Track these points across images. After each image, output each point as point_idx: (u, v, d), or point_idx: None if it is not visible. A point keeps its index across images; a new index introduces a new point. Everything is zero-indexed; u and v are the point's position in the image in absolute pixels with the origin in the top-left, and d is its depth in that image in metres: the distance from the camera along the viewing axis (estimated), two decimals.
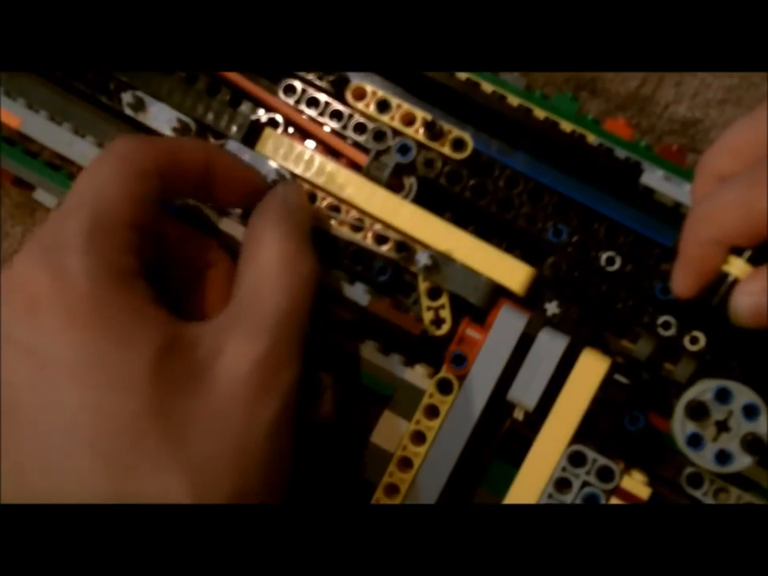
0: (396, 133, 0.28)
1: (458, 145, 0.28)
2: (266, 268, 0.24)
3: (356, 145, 0.28)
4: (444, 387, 0.26)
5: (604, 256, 0.27)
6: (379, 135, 0.28)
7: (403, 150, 0.28)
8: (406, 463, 0.26)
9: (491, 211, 0.28)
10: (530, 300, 0.27)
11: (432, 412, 0.26)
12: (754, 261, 0.24)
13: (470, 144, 0.27)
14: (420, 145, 0.28)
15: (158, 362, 0.22)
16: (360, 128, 0.28)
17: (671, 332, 0.26)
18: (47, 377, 0.21)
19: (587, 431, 0.26)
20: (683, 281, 0.25)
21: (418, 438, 0.26)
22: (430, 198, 0.28)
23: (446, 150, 0.27)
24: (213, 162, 0.25)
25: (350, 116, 0.28)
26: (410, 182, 0.28)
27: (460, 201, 0.28)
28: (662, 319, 0.26)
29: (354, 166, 0.28)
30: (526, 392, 0.26)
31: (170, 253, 0.25)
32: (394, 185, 0.28)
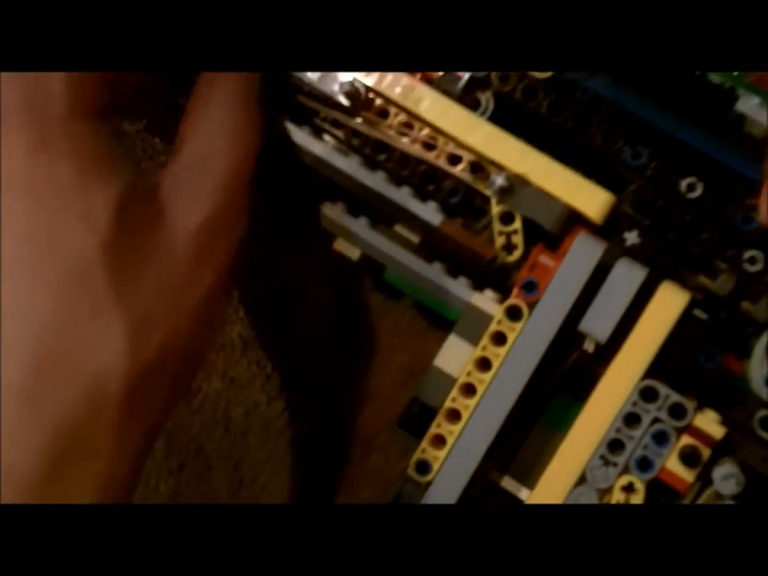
0: None
1: None
2: (212, 134, 0.24)
3: None
4: (513, 314, 0.26)
5: (685, 182, 0.26)
6: None
7: None
8: (469, 389, 0.26)
9: (567, 129, 0.26)
10: (606, 229, 0.26)
11: (499, 339, 0.26)
12: None
13: None
14: None
15: (120, 205, 0.21)
16: None
17: (757, 267, 0.25)
18: (5, 194, 0.21)
19: (660, 367, 0.25)
20: None
21: (484, 364, 0.26)
22: (506, 118, 0.27)
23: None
24: None
25: None
26: (486, 97, 0.27)
27: (536, 119, 0.26)
28: (748, 254, 0.25)
29: (429, 81, 0.27)
30: (598, 323, 0.25)
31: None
32: (469, 101, 0.27)
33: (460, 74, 0.27)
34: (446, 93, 0.27)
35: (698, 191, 0.26)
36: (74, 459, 0.20)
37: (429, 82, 0.27)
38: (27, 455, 0.20)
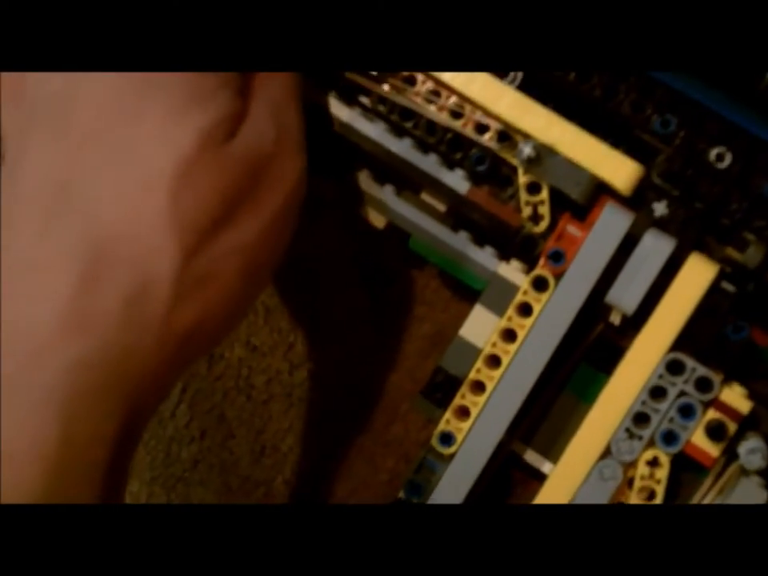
0: None
1: None
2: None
3: None
4: (539, 284, 0.25)
5: (714, 152, 0.25)
6: None
7: None
8: (494, 361, 0.26)
9: (595, 97, 0.26)
10: (634, 199, 0.26)
11: (525, 310, 0.25)
12: None
13: None
14: None
15: (201, 136, 0.22)
16: None
17: None
18: (124, 99, 0.22)
19: (687, 339, 0.25)
20: None
21: (509, 335, 0.26)
22: (534, 87, 0.26)
23: None
24: None
25: None
26: None
27: (564, 87, 0.26)
28: None
29: None
30: (625, 294, 0.25)
31: None
32: None
33: None
34: None
35: (727, 161, 0.25)
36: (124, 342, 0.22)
37: None
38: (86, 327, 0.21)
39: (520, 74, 0.26)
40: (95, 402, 0.21)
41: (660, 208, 0.25)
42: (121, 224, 0.22)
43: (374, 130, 0.26)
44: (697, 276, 0.25)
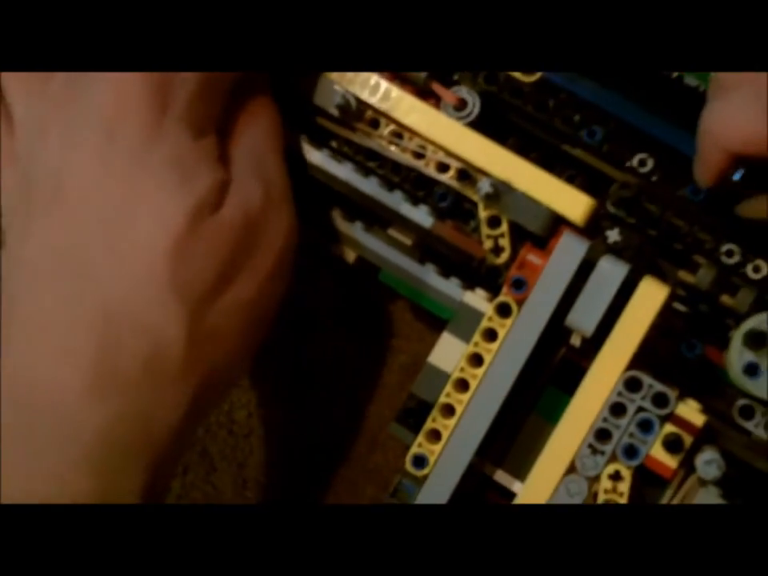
0: None
1: None
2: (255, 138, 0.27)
3: None
4: (503, 311, 0.27)
5: (636, 158, 0.27)
6: None
7: None
8: (463, 385, 0.27)
9: (553, 126, 0.28)
10: (591, 228, 0.27)
11: (490, 335, 0.27)
12: None
13: None
14: None
15: (192, 212, 0.24)
16: None
17: (735, 260, 0.26)
18: (106, 178, 0.24)
19: (644, 358, 0.26)
20: (701, 177, 0.25)
21: (476, 360, 0.27)
22: (491, 121, 0.28)
23: (517, 73, 0.28)
24: None
25: None
26: (473, 98, 0.28)
27: (521, 117, 0.28)
28: (725, 247, 0.26)
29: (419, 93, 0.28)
30: (584, 318, 0.26)
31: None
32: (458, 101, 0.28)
33: None
34: (411, 82, 0.28)
35: (649, 166, 0.27)
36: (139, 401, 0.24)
37: (419, 94, 0.28)
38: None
39: (477, 109, 0.28)
40: (125, 456, 0.24)
41: (613, 235, 0.27)
42: (129, 295, 0.24)
43: (342, 171, 0.28)
44: (650, 298, 0.26)
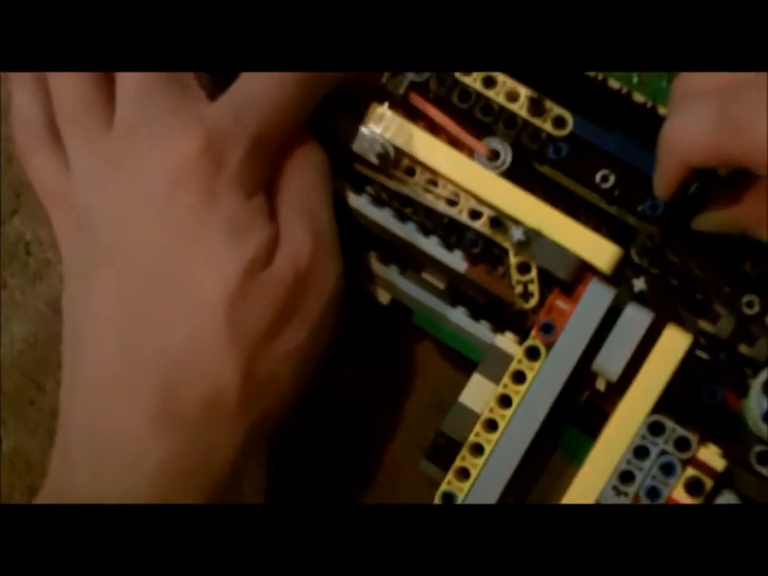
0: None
1: (559, 122, 0.29)
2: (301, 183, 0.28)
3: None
4: (532, 354, 0.28)
5: (599, 174, 0.28)
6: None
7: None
8: (492, 425, 0.28)
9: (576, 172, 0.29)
10: (615, 275, 0.28)
11: (519, 377, 0.28)
12: None
13: (571, 122, 0.29)
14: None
15: (247, 267, 0.25)
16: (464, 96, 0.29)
17: (755, 311, 0.27)
18: (167, 237, 0.25)
19: (666, 403, 0.27)
20: (659, 188, 0.26)
21: (505, 401, 0.28)
22: (523, 171, 0.29)
23: (548, 126, 0.29)
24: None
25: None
26: (505, 149, 0.29)
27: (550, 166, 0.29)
28: (747, 298, 0.27)
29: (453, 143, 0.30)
30: (610, 363, 0.27)
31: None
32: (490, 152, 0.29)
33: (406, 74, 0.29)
34: (391, 95, 0.29)
35: (611, 182, 0.28)
36: (198, 450, 0.25)
37: (454, 144, 0.29)
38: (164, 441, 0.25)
39: (509, 160, 0.29)
40: (185, 487, 0.25)
41: (639, 284, 0.28)
42: (189, 343, 0.25)
43: (382, 216, 0.29)
44: (674, 345, 0.27)
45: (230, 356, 0.25)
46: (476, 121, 0.29)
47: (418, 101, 0.30)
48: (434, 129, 0.30)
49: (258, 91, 0.27)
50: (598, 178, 0.29)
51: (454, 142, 0.29)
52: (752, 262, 0.28)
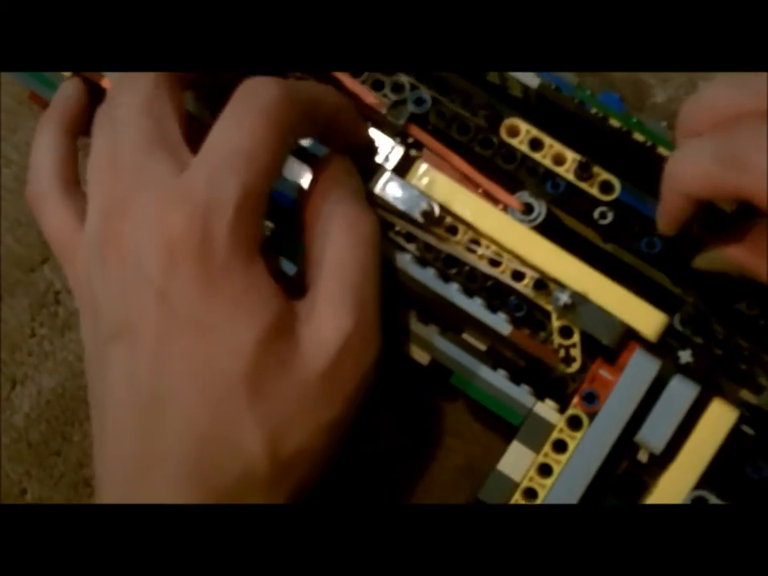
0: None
1: (606, 187, 0.29)
2: (338, 246, 0.26)
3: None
4: (574, 423, 0.27)
5: (597, 211, 0.28)
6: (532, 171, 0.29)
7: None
8: (531, 494, 0.27)
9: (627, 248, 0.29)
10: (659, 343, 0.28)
11: (560, 446, 0.27)
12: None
13: (618, 187, 0.28)
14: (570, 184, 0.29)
15: (263, 337, 0.24)
16: (509, 158, 0.29)
17: None
18: (171, 321, 0.24)
19: (710, 478, 0.27)
20: (662, 224, 0.27)
21: (545, 470, 0.27)
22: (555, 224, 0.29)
23: (594, 191, 0.29)
24: (340, 115, 0.28)
25: (500, 146, 0.29)
26: (540, 203, 0.29)
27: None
28: None
29: (494, 201, 0.29)
30: (654, 435, 0.27)
31: None
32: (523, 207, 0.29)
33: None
34: (391, 126, 0.30)
35: (609, 218, 0.28)
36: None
37: (494, 201, 0.29)
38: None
39: (543, 214, 0.29)
40: None
41: (685, 356, 0.27)
42: (214, 419, 0.24)
43: (425, 276, 0.28)
44: (719, 420, 0.27)
45: (256, 432, 0.24)
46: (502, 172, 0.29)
47: (417, 132, 0.30)
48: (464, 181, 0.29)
49: (230, 147, 0.25)
50: (642, 243, 0.28)
51: (490, 198, 0.29)
52: None
